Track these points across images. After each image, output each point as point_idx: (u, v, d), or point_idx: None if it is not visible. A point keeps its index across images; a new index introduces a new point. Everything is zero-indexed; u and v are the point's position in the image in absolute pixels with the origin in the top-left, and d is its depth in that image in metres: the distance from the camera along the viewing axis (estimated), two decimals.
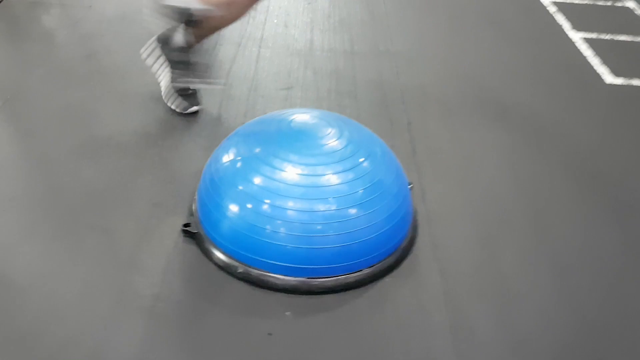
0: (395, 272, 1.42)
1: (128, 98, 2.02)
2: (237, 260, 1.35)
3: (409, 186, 1.54)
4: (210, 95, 2.02)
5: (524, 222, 1.62)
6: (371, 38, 2.49)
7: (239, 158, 1.40)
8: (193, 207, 1.51)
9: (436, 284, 1.41)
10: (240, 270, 1.35)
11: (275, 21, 2.63)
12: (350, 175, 1.35)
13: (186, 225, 1.46)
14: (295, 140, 1.39)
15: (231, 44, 2.36)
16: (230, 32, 2.43)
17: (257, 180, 1.33)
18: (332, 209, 1.31)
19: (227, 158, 1.43)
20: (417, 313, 1.34)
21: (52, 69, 2.15)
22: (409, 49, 2.44)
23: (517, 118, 2.06)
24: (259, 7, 2.69)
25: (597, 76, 2.33)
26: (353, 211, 1.32)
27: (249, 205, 1.32)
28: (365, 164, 1.38)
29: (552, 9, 2.84)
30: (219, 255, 1.37)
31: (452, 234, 1.56)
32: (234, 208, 1.35)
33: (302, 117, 1.47)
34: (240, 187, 1.35)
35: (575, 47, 2.53)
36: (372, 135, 1.54)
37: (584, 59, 2.45)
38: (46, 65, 2.16)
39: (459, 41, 2.56)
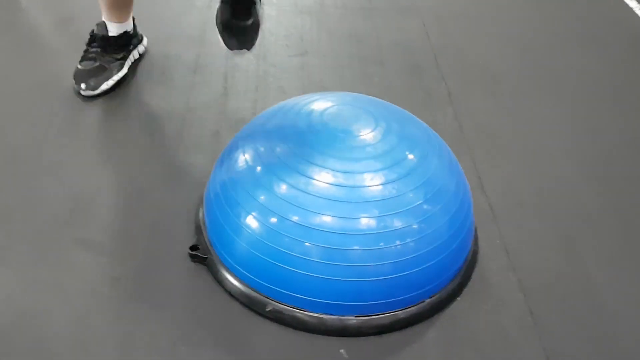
0: (465, 291, 1.06)
1: None
2: (262, 294, 0.97)
3: None
4: (212, 66, 1.63)
5: (605, 215, 1.26)
6: None
7: (258, 161, 0.99)
8: (200, 219, 1.10)
9: (519, 302, 1.06)
10: (268, 308, 0.96)
11: None
12: (404, 184, 0.95)
13: (193, 247, 1.06)
14: (329, 139, 0.99)
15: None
16: None
17: (284, 189, 0.94)
18: (384, 228, 0.92)
19: (242, 160, 1.02)
20: (503, 343, 0.99)
21: (19, 39, 1.71)
22: (436, 3, 2.02)
23: (572, 85, 1.68)
24: None
25: None
26: (411, 229, 0.93)
27: (274, 223, 0.93)
28: (422, 167, 0.98)
29: None
30: (238, 286, 0.99)
31: (523, 235, 1.20)
32: (254, 225, 0.95)
33: (333, 105, 1.06)
34: (264, 197, 0.94)
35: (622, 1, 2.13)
36: (423, 126, 1.12)
37: (629, 10, 2.04)
38: (9, 34, 1.71)
39: None
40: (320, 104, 1.07)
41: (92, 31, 1.53)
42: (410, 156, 0.99)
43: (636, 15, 2.03)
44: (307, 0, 1.99)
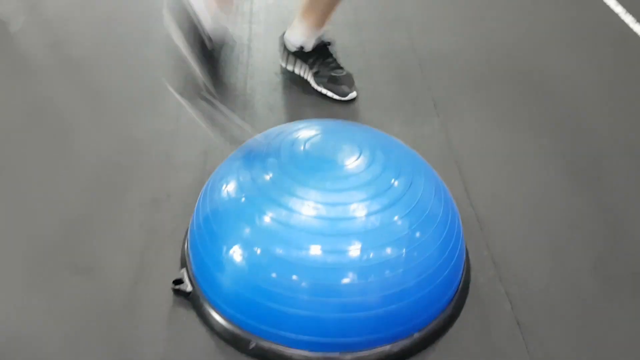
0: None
1: (104, 95, 1.57)
2: (245, 331, 0.92)
3: None
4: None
5: (593, 221, 1.23)
6: (377, 4, 2.12)
7: (240, 194, 0.95)
8: (185, 251, 1.05)
9: (507, 314, 1.03)
10: (252, 346, 0.91)
11: None
12: (389, 214, 0.90)
13: (177, 282, 1.00)
14: (312, 169, 0.95)
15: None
16: None
17: (266, 223, 0.89)
18: (368, 261, 0.87)
19: (224, 192, 0.97)
20: (491, 357, 0.97)
21: (11, 63, 1.70)
22: (421, 15, 1.99)
23: (556, 90, 1.64)
24: None
25: (635, 35, 1.92)
26: (398, 260, 0.88)
27: (256, 258, 0.89)
28: (407, 196, 0.93)
29: None
30: (221, 322, 0.94)
31: (512, 245, 1.17)
32: (235, 260, 0.90)
33: (317, 134, 1.02)
34: (246, 232, 0.90)
35: (604, 3, 2.09)
36: (408, 152, 1.08)
37: (615, 15, 2.02)
38: (1, 58, 1.71)
39: (475, 3, 2.10)
40: (303, 133, 1.02)
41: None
42: (395, 185, 0.94)
43: (622, 20, 2.02)
44: (293, 18, 1.99)
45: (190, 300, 1.00)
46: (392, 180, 0.95)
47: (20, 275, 1.09)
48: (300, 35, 1.59)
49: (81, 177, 1.30)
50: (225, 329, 0.95)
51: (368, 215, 0.89)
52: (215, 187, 1.00)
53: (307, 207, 0.89)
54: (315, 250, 0.87)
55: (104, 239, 1.16)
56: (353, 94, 1.59)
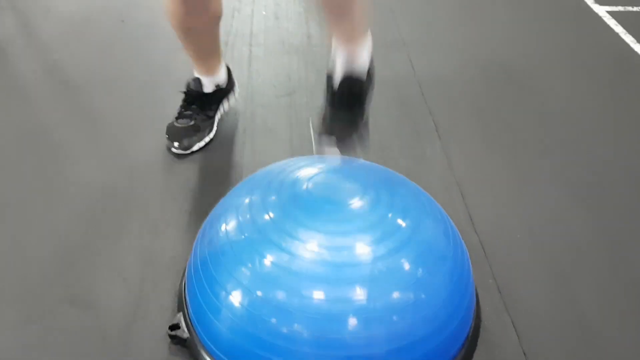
0: None
1: (101, 120, 1.54)
2: None
3: None
4: None
5: (597, 248, 1.21)
6: (375, 27, 2.12)
7: (240, 236, 0.89)
8: (182, 292, 0.98)
9: (513, 344, 1.00)
10: None
11: (264, 13, 2.08)
12: (396, 259, 0.85)
13: (173, 327, 0.94)
14: (315, 211, 0.89)
15: None
16: None
17: (267, 268, 0.84)
18: (374, 310, 0.81)
19: (222, 234, 0.92)
20: None
21: (6, 87, 1.66)
22: (420, 36, 1.96)
23: (558, 112, 1.62)
24: None
25: (636, 55, 1.90)
26: (406, 309, 0.84)
27: (256, 305, 0.83)
28: (416, 237, 0.88)
29: None
30: None
31: (517, 273, 1.14)
32: (233, 307, 0.84)
33: (320, 172, 0.97)
34: (245, 277, 0.85)
35: (604, 23, 2.07)
36: (413, 188, 1.03)
37: (615, 36, 2.00)
38: None
39: (473, 22, 2.08)
40: (306, 171, 0.97)
41: (188, 86, 1.44)
42: (402, 227, 0.89)
43: (622, 40, 2.03)
44: (294, 39, 1.98)
45: (186, 347, 0.94)
46: (398, 223, 0.89)
47: (16, 308, 1.06)
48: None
49: (77, 204, 1.27)
50: None
51: (374, 260, 0.83)
52: (214, 226, 0.95)
53: (310, 252, 0.84)
54: (319, 298, 0.81)
55: (101, 270, 1.12)
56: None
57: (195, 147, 1.42)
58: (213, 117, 1.48)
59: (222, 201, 1.02)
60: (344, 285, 0.82)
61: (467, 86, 1.74)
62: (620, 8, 2.20)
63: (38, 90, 1.69)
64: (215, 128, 1.48)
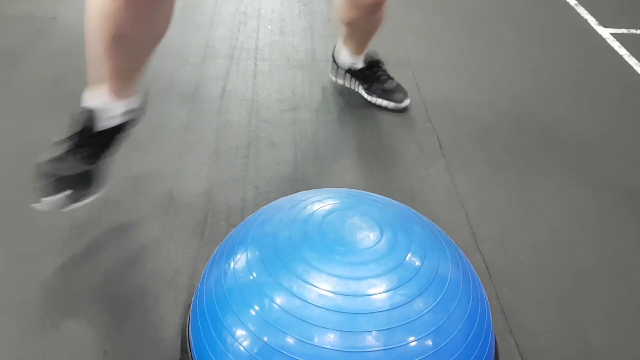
0: None
1: None
2: None
3: None
4: (204, 121, 1.59)
5: (601, 270, 1.22)
6: (380, 44, 2.11)
7: (248, 277, 0.86)
8: (187, 334, 0.94)
9: None
10: None
11: (270, 27, 2.13)
12: (406, 290, 0.83)
13: None
14: (330, 251, 0.86)
15: (223, 57, 1.89)
16: (219, 43, 1.97)
17: (277, 314, 0.81)
18: (383, 341, 0.80)
19: (230, 274, 0.89)
20: None
21: (11, 97, 1.67)
22: (425, 56, 1.99)
23: (563, 135, 1.64)
24: (250, 11, 2.36)
25: (639, 78, 1.93)
26: (427, 352, 0.81)
27: (266, 353, 0.80)
28: (426, 271, 0.87)
29: (572, 1, 2.41)
30: None
31: (521, 294, 1.15)
32: (242, 353, 0.81)
33: (332, 210, 0.94)
34: (253, 322, 0.82)
35: (608, 45, 2.11)
36: (428, 225, 1.00)
37: (619, 58, 2.04)
38: (2, 92, 1.68)
39: (478, 44, 2.11)
40: (317, 207, 0.95)
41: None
42: (420, 272, 0.86)
43: (627, 62, 2.04)
44: (299, 55, 2.00)
45: None
46: (416, 266, 0.87)
47: (19, 319, 1.06)
48: (347, 58, 1.68)
49: (79, 216, 1.28)
50: None
51: (391, 308, 0.81)
52: (221, 264, 0.93)
53: (323, 298, 0.81)
54: (331, 347, 0.79)
55: (101, 313, 1.10)
56: (407, 102, 1.69)
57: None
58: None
59: (229, 236, 0.99)
60: (358, 334, 0.80)
61: (471, 107, 1.76)
62: (623, 30, 2.22)
63: (42, 101, 1.70)
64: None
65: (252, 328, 0.81)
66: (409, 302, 0.82)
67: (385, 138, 1.60)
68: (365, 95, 1.71)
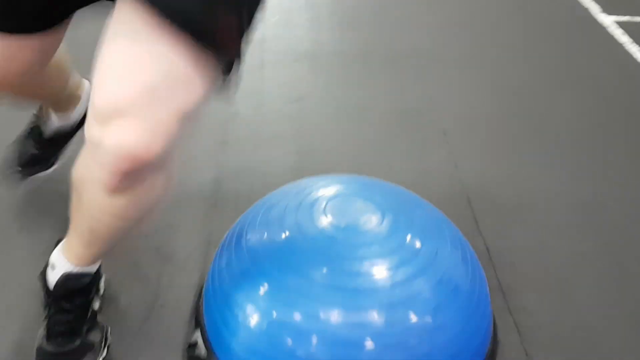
0: None
1: None
2: None
3: None
4: (212, 112, 1.68)
5: (599, 257, 1.25)
6: (386, 33, 2.13)
7: (260, 259, 0.92)
8: (199, 310, 0.99)
9: (515, 344, 1.05)
10: None
11: (274, 19, 2.16)
12: (408, 272, 0.88)
13: (191, 345, 0.96)
14: (335, 235, 0.91)
15: None
16: None
17: (285, 292, 0.87)
18: (387, 321, 0.85)
19: (242, 257, 0.94)
20: None
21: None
22: (428, 48, 2.01)
23: (564, 128, 1.66)
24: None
25: None
26: (426, 328, 0.87)
27: (274, 328, 0.86)
28: (428, 253, 0.91)
29: None
30: None
31: (520, 276, 1.19)
32: (252, 328, 0.87)
33: (337, 194, 0.98)
34: (264, 300, 0.88)
35: (610, 33, 2.13)
36: (429, 209, 1.05)
37: (621, 46, 2.05)
38: None
39: (487, 45, 2.13)
40: (324, 192, 0.99)
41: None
42: (420, 252, 0.92)
43: (628, 52, 2.04)
44: (304, 46, 2.01)
45: None
46: (417, 247, 0.92)
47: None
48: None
49: None
50: None
51: (392, 286, 0.86)
52: (232, 247, 0.98)
53: (327, 276, 0.87)
54: (336, 322, 0.85)
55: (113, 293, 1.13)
56: None
57: None
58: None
59: (238, 221, 1.04)
60: (361, 311, 0.85)
61: (485, 114, 1.75)
62: (627, 18, 2.25)
63: None
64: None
65: (261, 305, 0.87)
66: (409, 280, 0.87)
67: (388, 128, 1.65)
68: None
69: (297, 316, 0.85)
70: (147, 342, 1.04)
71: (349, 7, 2.32)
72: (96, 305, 1.00)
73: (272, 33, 2.08)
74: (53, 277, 0.94)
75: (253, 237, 0.95)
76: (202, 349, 0.94)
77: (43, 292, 0.97)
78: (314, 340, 0.84)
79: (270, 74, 1.85)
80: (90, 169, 0.75)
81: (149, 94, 0.65)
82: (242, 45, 0.73)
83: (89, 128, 0.69)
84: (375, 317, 0.85)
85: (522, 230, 1.33)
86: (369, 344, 0.84)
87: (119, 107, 0.65)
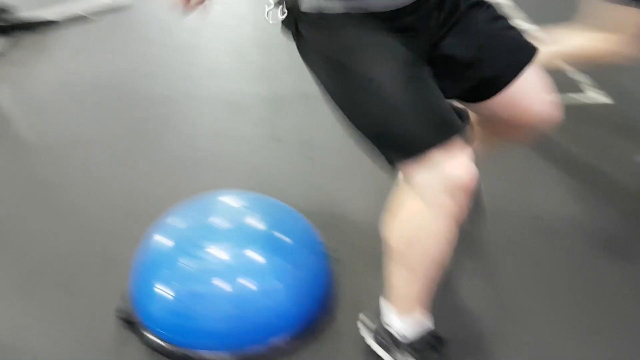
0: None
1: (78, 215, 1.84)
2: (166, 342, 1.36)
3: (330, 252, 1.55)
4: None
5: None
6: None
7: (164, 245, 1.41)
8: (128, 291, 1.46)
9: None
10: (170, 350, 1.36)
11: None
12: (268, 253, 1.36)
13: (120, 311, 1.43)
14: (218, 226, 1.41)
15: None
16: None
17: (180, 265, 1.35)
18: (252, 286, 1.33)
19: (152, 245, 1.43)
20: None
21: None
22: None
23: None
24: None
25: None
26: (272, 287, 1.35)
27: (173, 290, 1.34)
28: (282, 241, 1.41)
29: None
30: (152, 338, 1.37)
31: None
32: (162, 296, 1.35)
33: (225, 201, 1.50)
34: (166, 272, 1.36)
35: None
36: (289, 211, 1.54)
37: None
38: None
39: None
40: (217, 203, 1.50)
41: None
42: (275, 234, 1.43)
43: None
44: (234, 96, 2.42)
45: (129, 323, 1.43)
46: (272, 231, 1.44)
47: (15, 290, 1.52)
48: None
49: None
50: (156, 344, 1.39)
51: (253, 256, 1.38)
52: (151, 239, 1.45)
53: (212, 259, 1.37)
54: (218, 286, 1.35)
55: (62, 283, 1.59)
56: None
57: None
58: None
59: (155, 224, 1.50)
60: (237, 272, 1.36)
61: None
62: None
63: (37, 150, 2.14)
64: None
65: (167, 280, 1.37)
66: (269, 260, 1.38)
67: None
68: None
69: (193, 286, 1.35)
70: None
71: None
72: None
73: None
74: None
75: (163, 234, 1.45)
76: (131, 316, 1.42)
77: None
78: (206, 299, 1.34)
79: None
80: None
81: None
82: None
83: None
84: (244, 282, 1.35)
85: None
86: (241, 299, 1.34)
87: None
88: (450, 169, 1.04)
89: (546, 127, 1.29)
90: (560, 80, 1.42)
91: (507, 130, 1.36)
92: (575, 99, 2.30)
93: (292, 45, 1.22)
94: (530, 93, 1.22)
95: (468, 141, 1.07)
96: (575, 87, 2.36)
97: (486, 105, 1.24)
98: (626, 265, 1.59)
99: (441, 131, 1.05)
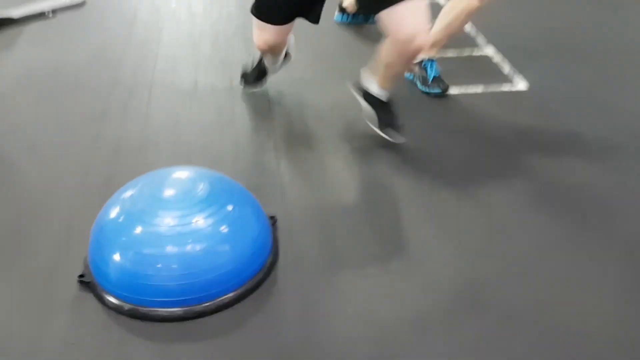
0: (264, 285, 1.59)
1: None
2: (123, 301, 1.51)
3: (272, 219, 1.74)
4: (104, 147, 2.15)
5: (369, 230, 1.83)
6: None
7: (120, 215, 1.55)
8: (87, 259, 1.60)
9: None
10: (127, 308, 1.50)
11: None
12: (213, 219, 1.52)
13: (81, 275, 1.57)
14: (168, 196, 1.56)
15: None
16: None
17: (135, 232, 1.50)
18: (200, 248, 1.49)
19: (109, 215, 1.56)
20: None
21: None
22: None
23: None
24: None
25: None
26: (217, 249, 1.52)
27: (129, 255, 1.50)
28: (226, 208, 1.57)
29: None
30: (108, 298, 1.52)
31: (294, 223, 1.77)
32: (117, 259, 1.51)
33: (176, 175, 1.65)
34: (122, 239, 1.52)
35: None
36: (234, 184, 1.70)
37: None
38: None
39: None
40: (166, 176, 1.64)
41: None
42: (220, 202, 1.57)
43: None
44: (186, 85, 2.61)
45: (90, 287, 1.58)
46: (217, 199, 1.58)
47: None
48: (375, 87, 2.13)
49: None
50: (114, 304, 1.53)
51: (200, 220, 1.53)
52: (107, 210, 1.61)
53: (162, 218, 1.51)
54: (169, 249, 1.51)
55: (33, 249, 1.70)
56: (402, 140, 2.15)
57: None
58: None
59: (114, 194, 1.65)
60: (186, 235, 1.52)
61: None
62: None
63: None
64: None
65: (121, 244, 1.53)
66: (214, 226, 1.55)
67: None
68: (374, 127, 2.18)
69: (144, 248, 1.52)
70: None
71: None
72: None
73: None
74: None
75: (118, 205, 1.59)
76: (88, 277, 1.58)
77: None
78: (155, 260, 1.51)
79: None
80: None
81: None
82: None
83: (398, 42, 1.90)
84: (194, 247, 1.53)
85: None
86: (187, 257, 1.51)
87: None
88: None
89: (416, 47, 1.85)
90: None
91: (392, 46, 1.92)
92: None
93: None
94: (408, 17, 1.83)
95: None
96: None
97: (379, 16, 1.87)
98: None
99: None
